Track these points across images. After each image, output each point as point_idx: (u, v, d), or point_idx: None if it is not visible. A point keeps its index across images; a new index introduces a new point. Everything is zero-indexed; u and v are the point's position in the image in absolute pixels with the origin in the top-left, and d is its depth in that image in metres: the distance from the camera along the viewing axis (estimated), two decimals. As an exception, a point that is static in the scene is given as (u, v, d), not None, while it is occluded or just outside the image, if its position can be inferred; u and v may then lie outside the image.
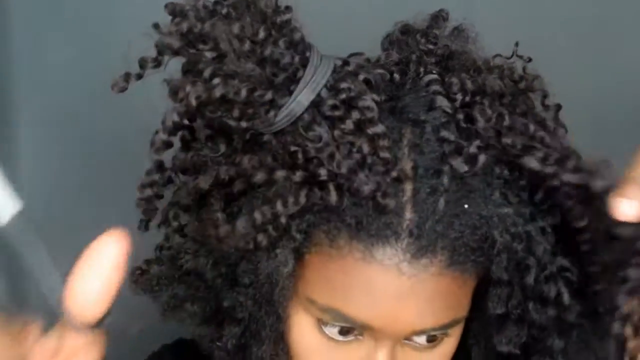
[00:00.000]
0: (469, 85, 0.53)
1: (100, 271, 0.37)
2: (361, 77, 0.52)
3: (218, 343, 0.58)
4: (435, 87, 0.53)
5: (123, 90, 0.52)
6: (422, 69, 0.55)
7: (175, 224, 0.58)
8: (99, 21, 0.93)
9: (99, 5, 0.93)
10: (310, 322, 0.55)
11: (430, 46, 0.56)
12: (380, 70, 0.54)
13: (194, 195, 0.54)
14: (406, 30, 0.58)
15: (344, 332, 0.54)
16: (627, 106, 0.94)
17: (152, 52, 0.52)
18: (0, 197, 0.38)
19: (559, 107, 0.58)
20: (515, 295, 0.55)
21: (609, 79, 0.95)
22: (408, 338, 0.54)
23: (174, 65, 0.52)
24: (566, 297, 0.54)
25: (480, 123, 0.52)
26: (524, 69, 0.58)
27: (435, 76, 0.54)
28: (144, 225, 0.57)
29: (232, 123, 0.50)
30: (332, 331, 0.54)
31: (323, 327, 0.54)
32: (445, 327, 0.54)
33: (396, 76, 0.55)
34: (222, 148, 0.53)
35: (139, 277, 0.60)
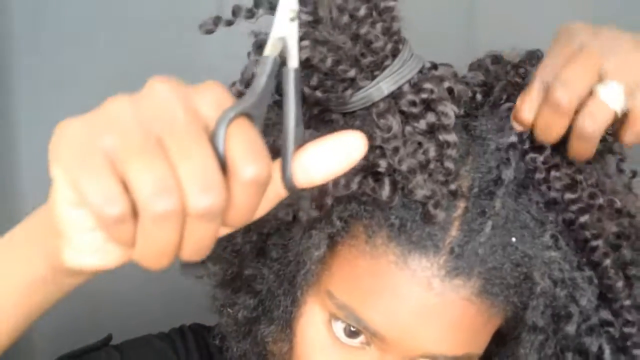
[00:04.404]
0: None
1: (339, 159, 0.38)
2: (446, 84, 0.51)
3: (229, 309, 0.57)
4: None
5: (209, 32, 0.52)
6: (504, 96, 0.54)
7: None
8: (99, 21, 0.93)
9: (99, 6, 0.93)
10: (321, 317, 0.54)
11: (518, 79, 0.55)
12: (463, 87, 0.53)
13: None
14: (497, 61, 0.57)
15: (350, 333, 0.52)
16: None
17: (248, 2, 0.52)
18: None
19: (634, 174, 0.57)
20: (550, 345, 0.53)
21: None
22: None
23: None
24: (607, 354, 0.53)
25: (547, 150, 0.51)
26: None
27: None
28: None
29: (307, 91, 0.49)
30: (339, 328, 0.53)
31: (333, 322, 0.53)
32: (456, 359, 0.52)
33: (478, 96, 0.54)
34: None
35: None
